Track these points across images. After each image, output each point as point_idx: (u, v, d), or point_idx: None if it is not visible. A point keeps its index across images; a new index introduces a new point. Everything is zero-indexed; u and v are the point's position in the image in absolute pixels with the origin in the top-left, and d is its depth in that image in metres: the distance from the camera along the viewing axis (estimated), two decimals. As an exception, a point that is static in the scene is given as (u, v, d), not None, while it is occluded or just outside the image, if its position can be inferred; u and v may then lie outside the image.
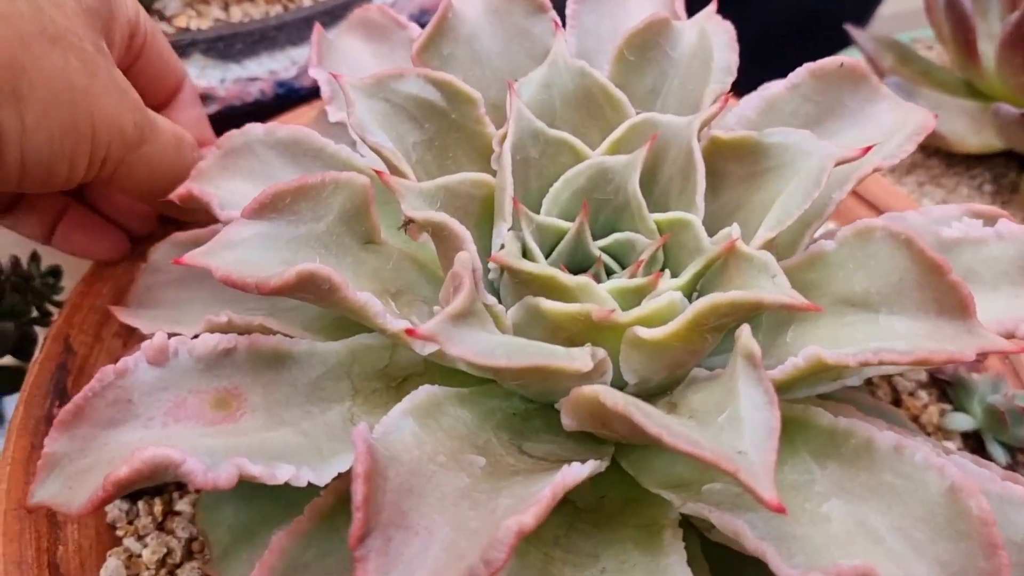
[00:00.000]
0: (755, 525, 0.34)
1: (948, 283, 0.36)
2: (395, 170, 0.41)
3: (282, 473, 0.36)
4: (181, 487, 0.51)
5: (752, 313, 0.37)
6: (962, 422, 0.54)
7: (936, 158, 0.76)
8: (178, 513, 0.50)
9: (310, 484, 0.37)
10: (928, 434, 0.54)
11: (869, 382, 0.57)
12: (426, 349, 0.40)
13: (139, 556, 0.48)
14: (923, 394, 0.57)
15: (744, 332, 0.34)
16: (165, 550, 0.48)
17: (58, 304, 0.63)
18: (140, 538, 0.49)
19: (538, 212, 0.44)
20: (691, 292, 0.41)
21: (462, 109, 0.44)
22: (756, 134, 0.42)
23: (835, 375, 0.40)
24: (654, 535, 0.38)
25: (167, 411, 0.38)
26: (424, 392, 0.37)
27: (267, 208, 0.39)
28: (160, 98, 0.56)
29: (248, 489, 0.46)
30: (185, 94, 0.58)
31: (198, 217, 0.54)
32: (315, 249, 0.40)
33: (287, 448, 0.38)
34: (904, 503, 0.35)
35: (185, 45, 0.66)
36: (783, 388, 0.37)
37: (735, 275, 0.38)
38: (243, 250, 0.39)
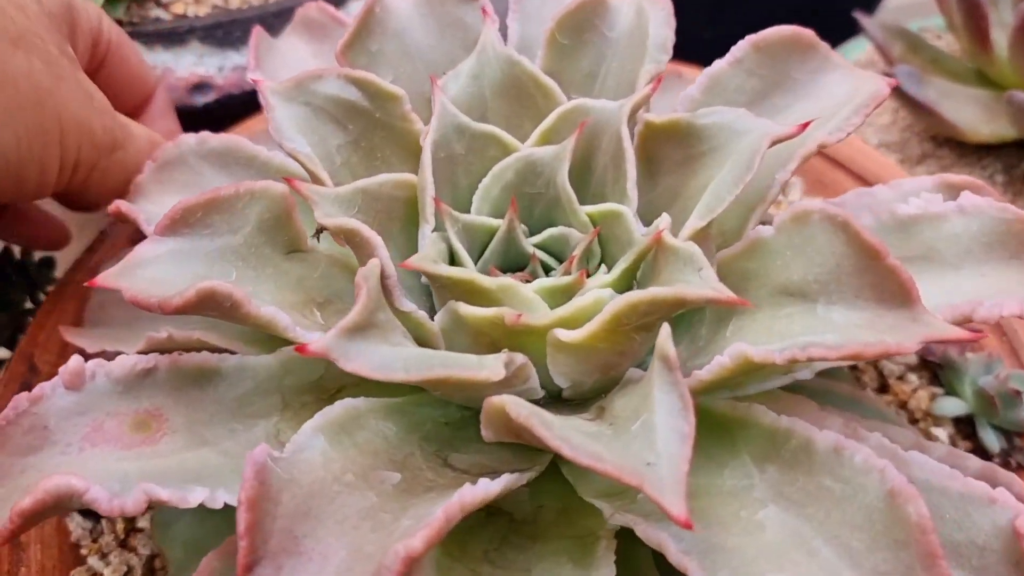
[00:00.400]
0: (681, 537, 0.32)
1: (886, 268, 0.33)
2: (313, 176, 0.40)
3: (194, 496, 0.35)
4: (142, 504, 0.51)
5: (677, 310, 0.34)
6: (952, 407, 0.51)
7: (947, 148, 0.73)
8: (140, 530, 0.50)
9: (227, 506, 0.36)
10: (916, 421, 0.51)
11: (854, 368, 0.54)
12: (350, 365, 0.38)
13: (101, 574, 0.48)
14: (912, 377, 0.53)
15: (662, 333, 0.32)
16: (126, 568, 0.48)
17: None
18: (103, 556, 0.49)
19: (468, 211, 0.42)
20: (627, 288, 0.39)
21: (386, 107, 0.42)
22: (689, 116, 0.39)
23: (773, 371, 0.38)
24: (588, 547, 0.36)
25: (84, 436, 0.37)
26: (341, 406, 0.36)
27: (178, 223, 0.38)
28: (128, 108, 0.56)
29: (200, 507, 0.46)
30: (156, 105, 0.58)
31: None
32: (231, 263, 0.39)
33: (205, 469, 0.37)
34: (842, 509, 0.32)
35: (183, 32, 0.66)
36: (712, 389, 0.35)
37: (663, 269, 0.36)
38: (155, 268, 0.38)
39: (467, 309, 0.36)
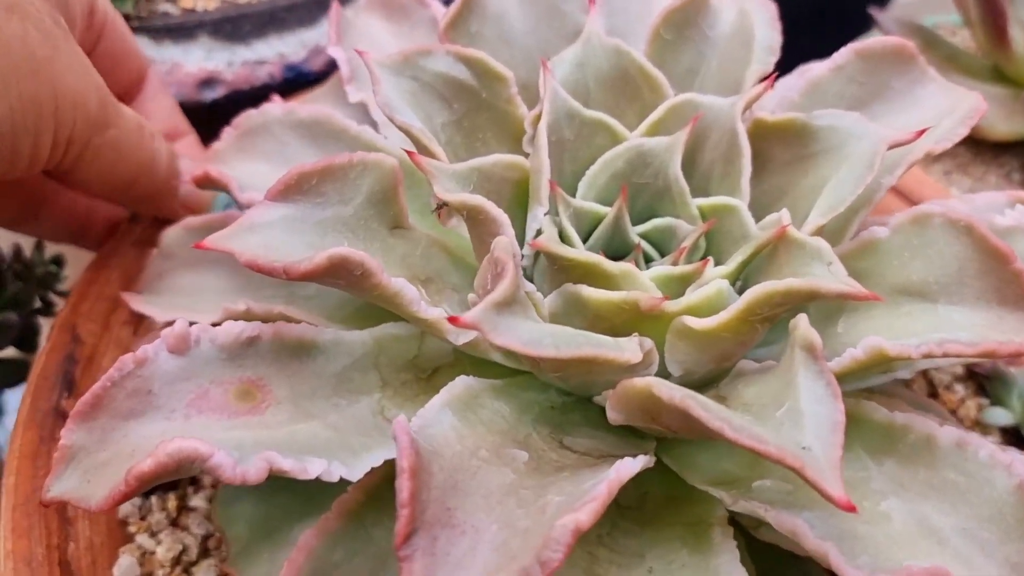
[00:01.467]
0: (814, 524, 0.32)
1: (1012, 272, 0.35)
2: (425, 151, 0.39)
3: (313, 468, 0.34)
4: (195, 482, 0.49)
5: (807, 302, 0.35)
6: (1000, 417, 0.52)
7: (963, 146, 0.74)
8: (193, 509, 0.48)
9: (340, 479, 0.35)
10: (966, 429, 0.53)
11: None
12: (460, 339, 0.38)
13: (153, 553, 0.46)
14: (960, 388, 0.55)
15: (802, 322, 0.33)
16: (180, 547, 0.46)
17: (61, 294, 0.61)
18: (153, 535, 0.47)
19: (573, 196, 0.42)
20: (735, 281, 0.40)
21: (493, 88, 0.42)
22: (804, 116, 0.40)
23: (891, 367, 0.38)
24: (702, 534, 0.36)
25: (189, 402, 0.36)
26: (461, 383, 0.36)
27: (292, 190, 0.37)
28: (123, 85, 0.54)
29: (267, 484, 0.45)
30: (152, 82, 0.56)
31: (168, 212, 0.53)
32: (342, 233, 0.38)
33: (316, 442, 0.36)
34: (969, 502, 0.33)
35: (191, 27, 0.64)
36: (838, 381, 0.36)
37: (786, 263, 0.37)
38: (267, 233, 0.37)
39: (591, 292, 0.36)
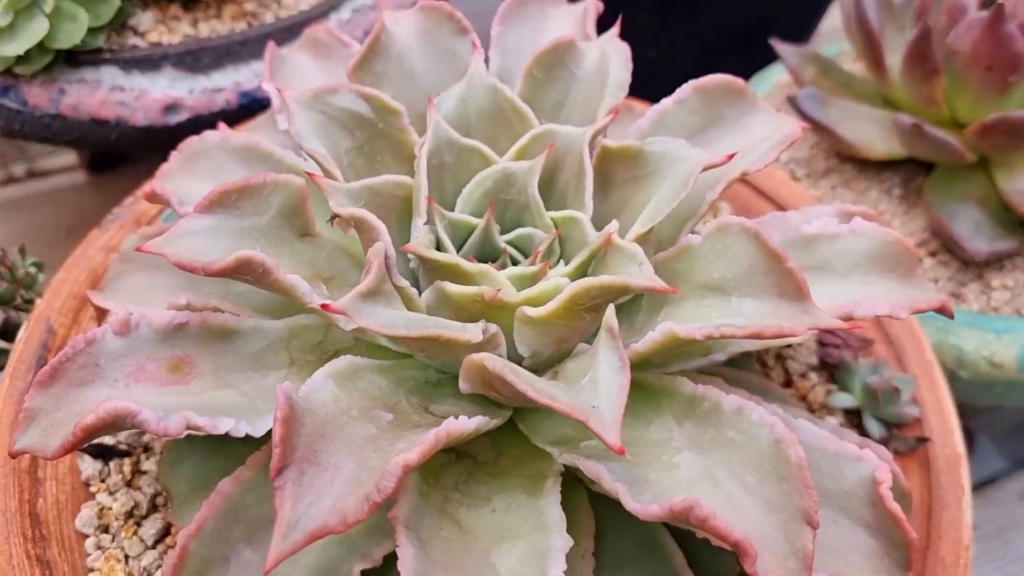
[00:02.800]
0: (614, 471, 0.41)
1: (786, 270, 0.43)
2: (327, 173, 0.48)
3: (223, 424, 0.42)
4: (148, 450, 0.58)
5: (621, 295, 0.43)
6: (843, 400, 0.61)
7: (850, 164, 0.82)
8: (145, 472, 0.57)
9: (249, 437, 0.44)
10: (813, 411, 0.61)
11: (764, 364, 0.64)
12: (349, 325, 0.46)
13: (109, 509, 0.55)
14: (813, 376, 0.63)
15: (608, 311, 0.41)
16: (133, 503, 0.55)
17: (40, 294, 0.70)
18: (111, 494, 0.56)
19: (453, 210, 0.50)
20: (579, 279, 0.48)
21: (388, 120, 0.51)
22: (639, 143, 0.49)
23: (696, 350, 0.47)
24: (539, 484, 0.44)
25: (129, 374, 0.45)
26: (345, 360, 0.44)
27: (215, 204, 0.46)
28: None
29: (205, 448, 0.54)
30: None
31: None
32: (257, 240, 0.47)
33: (230, 405, 0.44)
34: (741, 454, 0.41)
35: (157, 58, 0.73)
36: (645, 359, 0.44)
37: (611, 263, 0.45)
38: (194, 240, 0.45)
39: (452, 287, 0.45)
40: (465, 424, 0.40)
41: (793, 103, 0.80)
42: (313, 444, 0.38)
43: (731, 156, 0.47)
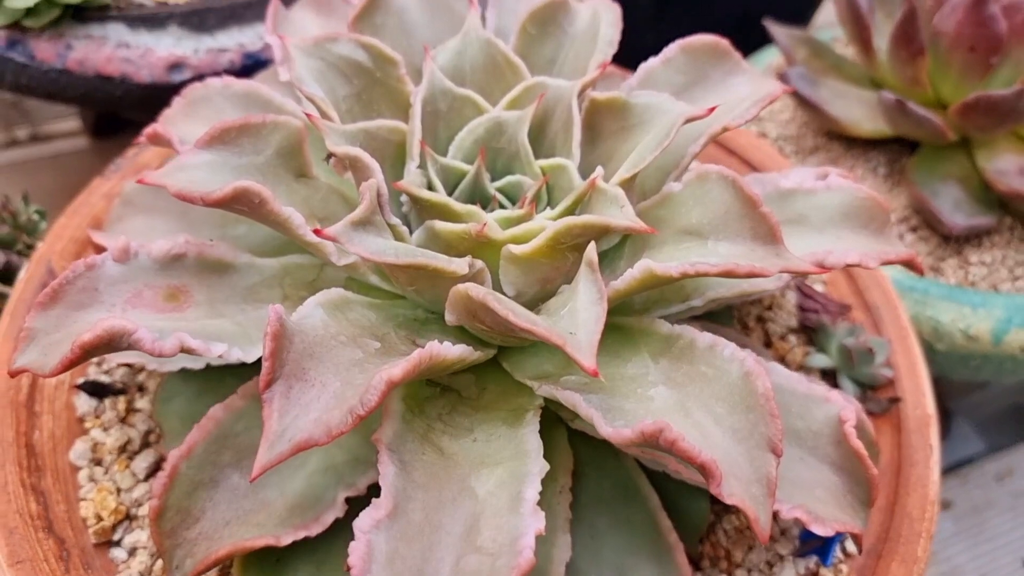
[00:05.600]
0: (592, 402, 0.42)
1: (760, 214, 0.45)
2: (325, 115, 0.50)
3: (216, 349, 0.44)
4: (142, 389, 0.59)
5: (603, 234, 0.45)
6: (819, 360, 0.62)
7: (837, 142, 0.84)
8: (138, 410, 0.58)
9: (242, 365, 0.46)
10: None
11: (745, 327, 0.65)
12: (342, 260, 0.48)
13: (103, 443, 0.56)
14: (792, 338, 0.65)
15: (590, 248, 0.43)
16: (126, 438, 0.57)
17: (42, 240, 0.72)
18: (105, 429, 0.57)
19: (446, 157, 0.52)
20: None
21: (385, 69, 0.52)
22: (625, 95, 0.50)
23: (674, 295, 0.49)
24: (520, 416, 0.46)
25: (127, 300, 0.46)
26: (336, 291, 0.46)
27: (215, 140, 0.48)
28: None
29: (196, 385, 0.55)
30: None
31: None
32: (254, 177, 0.48)
33: (223, 333, 0.46)
34: (712, 387, 0.43)
35: (163, 17, 0.75)
36: (625, 295, 0.46)
37: (595, 206, 0.47)
38: (194, 173, 0.47)
39: (441, 224, 0.46)
40: (449, 350, 0.42)
41: (784, 81, 0.82)
42: (302, 362, 0.40)
43: (712, 109, 0.49)
